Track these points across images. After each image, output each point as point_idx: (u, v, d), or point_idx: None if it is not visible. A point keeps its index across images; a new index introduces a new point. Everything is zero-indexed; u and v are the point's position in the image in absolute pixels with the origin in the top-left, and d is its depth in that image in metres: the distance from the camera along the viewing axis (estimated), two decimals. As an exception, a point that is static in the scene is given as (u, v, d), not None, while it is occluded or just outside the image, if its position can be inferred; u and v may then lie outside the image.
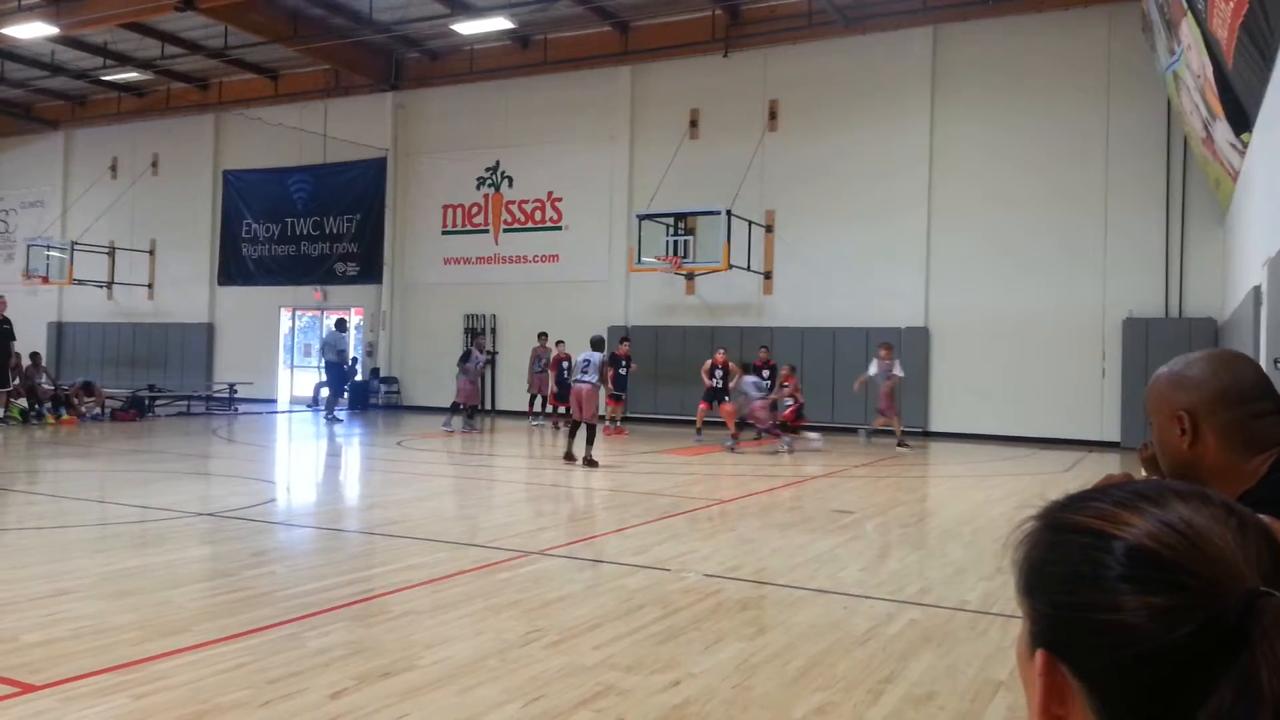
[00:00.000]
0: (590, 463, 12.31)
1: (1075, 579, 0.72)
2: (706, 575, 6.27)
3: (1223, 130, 10.76)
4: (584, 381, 12.67)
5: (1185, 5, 9.19)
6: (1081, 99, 17.05)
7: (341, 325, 20.85)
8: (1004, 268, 17.56)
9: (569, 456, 12.63)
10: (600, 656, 4.48)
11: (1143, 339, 16.13)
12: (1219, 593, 0.67)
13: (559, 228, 21.84)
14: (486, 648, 4.56)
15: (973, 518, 9.04)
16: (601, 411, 16.59)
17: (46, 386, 17.84)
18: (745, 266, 18.52)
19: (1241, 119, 9.64)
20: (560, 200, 21.84)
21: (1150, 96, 16.00)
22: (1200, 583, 0.68)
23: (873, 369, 16.18)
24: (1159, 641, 0.67)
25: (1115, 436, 16.41)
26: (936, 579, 6.42)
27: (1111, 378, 16.66)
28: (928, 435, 17.96)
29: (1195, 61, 10.13)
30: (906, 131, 18.37)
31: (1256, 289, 9.29)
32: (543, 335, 19.52)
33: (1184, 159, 16.28)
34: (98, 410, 18.32)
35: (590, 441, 12.60)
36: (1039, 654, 0.74)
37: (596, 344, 13.30)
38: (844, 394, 18.58)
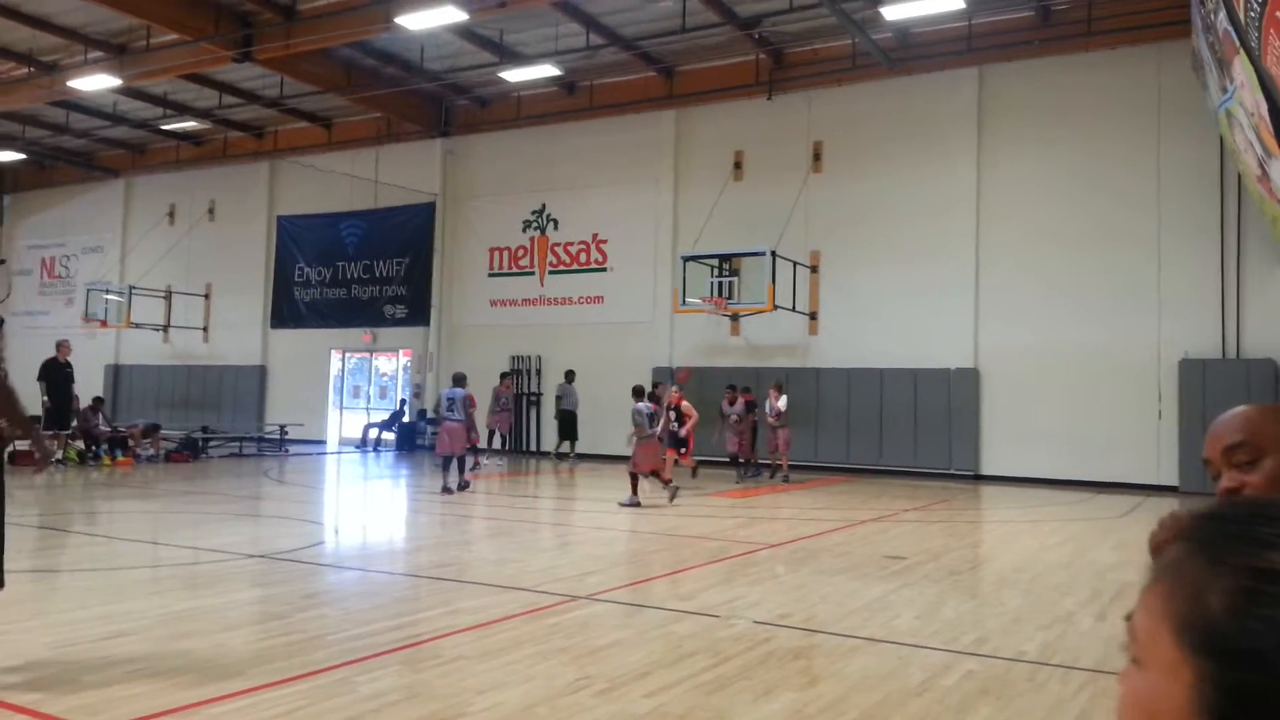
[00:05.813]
0: (463, 486, 13.75)
1: None
2: (756, 622, 6.19)
3: (1279, 169, 10.57)
4: (452, 419, 13.61)
5: (1238, 43, 9.09)
6: (1131, 137, 16.87)
7: (570, 377, 20.64)
8: (1055, 307, 17.32)
9: (446, 490, 13.55)
10: (651, 705, 4.43)
11: (1199, 380, 15.78)
12: None
13: (604, 269, 22.00)
14: (536, 694, 4.54)
15: (1028, 564, 8.85)
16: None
17: (104, 429, 18.21)
18: (790, 307, 18.47)
19: (1299, 157, 9.47)
20: (605, 242, 22.02)
21: (1202, 134, 15.78)
22: None
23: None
24: None
25: (1173, 480, 16.00)
26: (993, 628, 6.28)
27: (1168, 419, 16.28)
28: (979, 479, 17.67)
29: (1249, 99, 9.99)
30: (953, 171, 18.30)
31: (1319, 329, 9.06)
32: (504, 376, 21.25)
33: (1239, 197, 16.01)
34: (153, 452, 18.64)
35: (461, 470, 13.93)
36: None
37: (459, 380, 14.15)
38: (891, 435, 18.41)
